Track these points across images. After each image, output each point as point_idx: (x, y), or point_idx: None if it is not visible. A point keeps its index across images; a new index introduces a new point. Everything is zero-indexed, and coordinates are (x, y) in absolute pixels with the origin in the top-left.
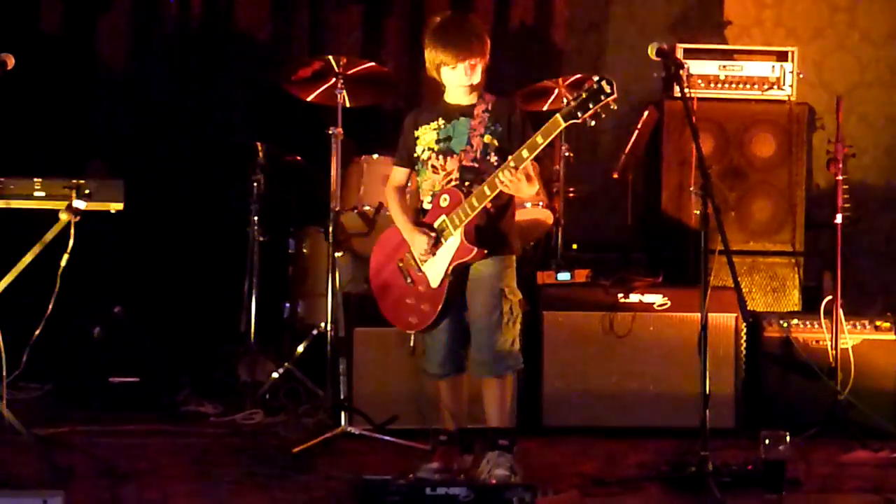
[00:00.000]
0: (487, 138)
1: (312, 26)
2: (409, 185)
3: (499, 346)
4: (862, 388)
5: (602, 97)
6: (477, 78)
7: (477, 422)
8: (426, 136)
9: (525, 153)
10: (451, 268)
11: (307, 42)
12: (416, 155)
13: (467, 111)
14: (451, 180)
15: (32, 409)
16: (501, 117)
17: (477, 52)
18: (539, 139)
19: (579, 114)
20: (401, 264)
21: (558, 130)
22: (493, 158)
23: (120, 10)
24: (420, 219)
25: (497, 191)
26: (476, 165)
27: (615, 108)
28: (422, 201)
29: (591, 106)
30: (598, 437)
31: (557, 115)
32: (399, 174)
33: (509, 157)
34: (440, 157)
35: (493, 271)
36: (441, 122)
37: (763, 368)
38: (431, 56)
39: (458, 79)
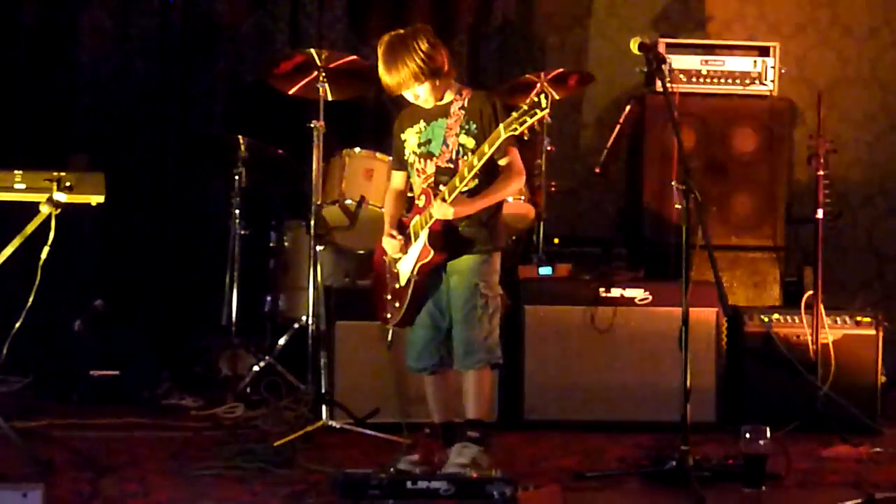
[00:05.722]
0: (463, 138)
1: (294, 20)
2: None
3: (470, 340)
4: (842, 383)
5: (537, 111)
6: (426, 95)
7: (462, 416)
8: (410, 139)
9: (475, 161)
10: (416, 268)
11: (289, 36)
12: (405, 158)
13: (444, 111)
14: (430, 182)
15: (12, 402)
16: (475, 114)
17: (414, 81)
18: (486, 148)
19: (516, 126)
20: (387, 260)
21: (500, 140)
22: (469, 158)
23: (101, 3)
24: (404, 219)
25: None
26: (451, 166)
27: (549, 121)
28: (416, 203)
29: (527, 119)
30: (579, 432)
31: (500, 126)
32: (396, 178)
33: (444, 190)
34: (422, 160)
35: (470, 266)
36: (422, 124)
37: (744, 363)
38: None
39: (412, 99)
